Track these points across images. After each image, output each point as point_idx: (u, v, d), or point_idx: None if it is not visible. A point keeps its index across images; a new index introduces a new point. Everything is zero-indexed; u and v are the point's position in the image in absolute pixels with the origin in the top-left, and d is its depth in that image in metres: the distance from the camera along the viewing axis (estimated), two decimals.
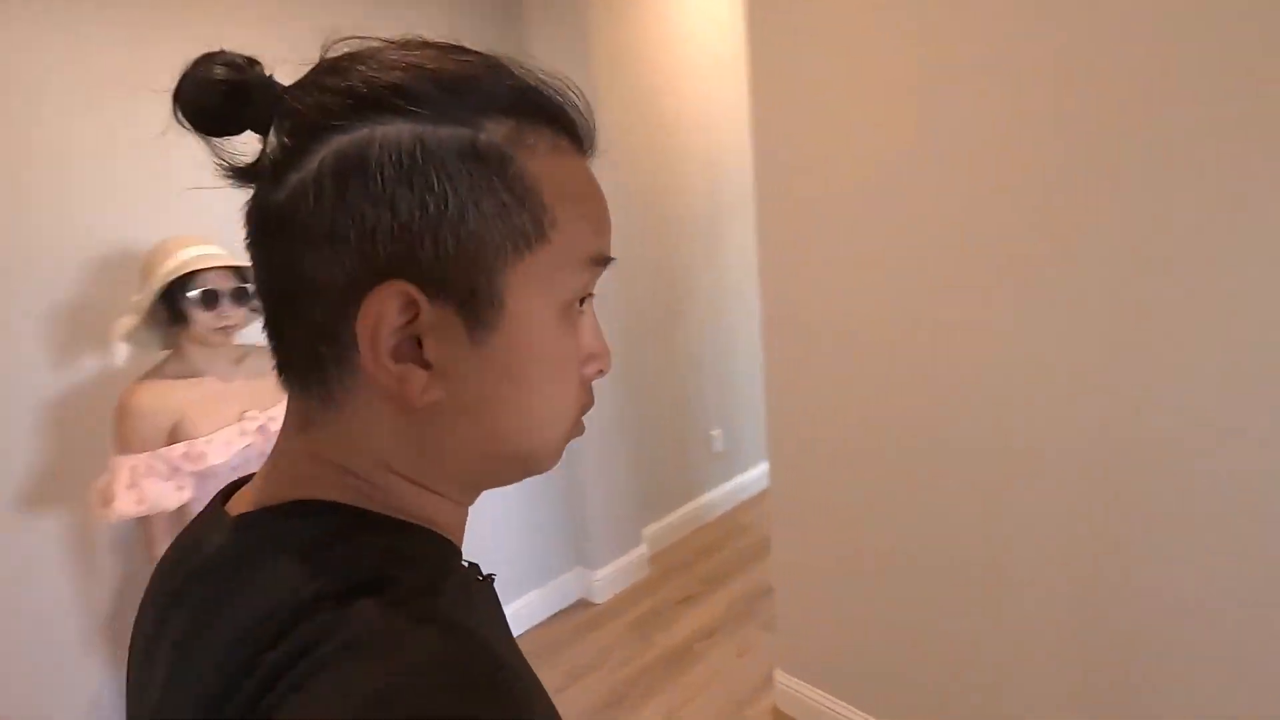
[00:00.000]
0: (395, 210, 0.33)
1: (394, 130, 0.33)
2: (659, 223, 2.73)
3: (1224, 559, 1.12)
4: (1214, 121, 1.02)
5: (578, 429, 0.42)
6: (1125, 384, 1.17)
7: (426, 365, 0.35)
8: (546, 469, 0.41)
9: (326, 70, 0.35)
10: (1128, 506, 1.20)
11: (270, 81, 0.36)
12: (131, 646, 0.43)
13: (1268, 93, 0.97)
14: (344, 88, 0.34)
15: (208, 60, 0.35)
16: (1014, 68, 1.19)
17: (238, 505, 0.40)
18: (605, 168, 0.40)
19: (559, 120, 0.37)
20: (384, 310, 0.33)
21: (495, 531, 2.29)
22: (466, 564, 0.42)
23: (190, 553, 0.40)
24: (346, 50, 0.36)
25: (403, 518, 0.38)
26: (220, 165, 0.37)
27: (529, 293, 0.36)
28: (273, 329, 0.38)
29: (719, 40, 2.84)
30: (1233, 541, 1.11)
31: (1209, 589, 1.14)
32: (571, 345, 0.39)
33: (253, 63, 0.36)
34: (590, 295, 0.40)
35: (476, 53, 0.37)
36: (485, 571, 0.43)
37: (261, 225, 0.36)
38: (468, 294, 0.35)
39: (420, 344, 0.35)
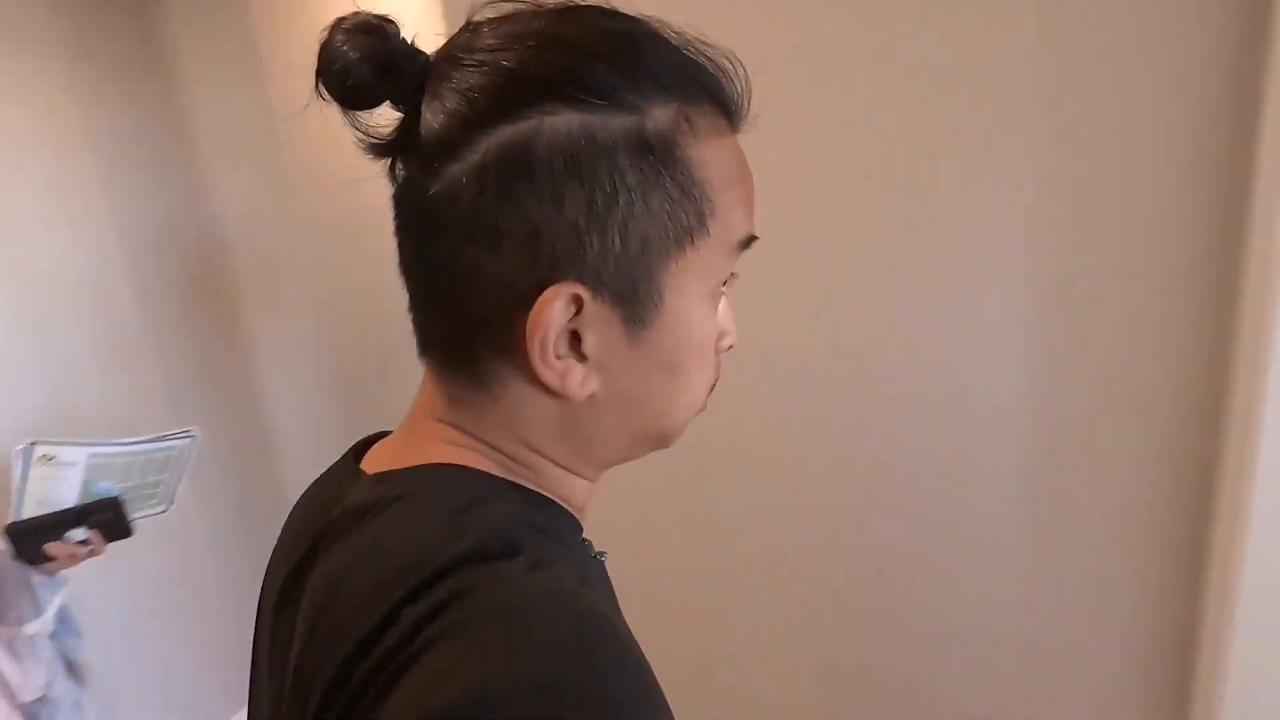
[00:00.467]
0: (562, 208, 0.32)
1: (563, 122, 0.32)
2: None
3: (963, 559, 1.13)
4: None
5: (704, 406, 0.42)
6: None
7: (583, 359, 0.35)
8: (672, 444, 0.42)
9: (483, 48, 0.33)
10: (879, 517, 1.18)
11: (415, 51, 0.35)
12: (261, 601, 0.42)
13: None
14: (511, 72, 0.32)
15: (348, 29, 0.33)
16: None
17: (373, 465, 0.40)
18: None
19: (719, 96, 0.36)
20: (553, 311, 0.33)
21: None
22: (584, 541, 0.42)
23: (328, 507, 0.39)
24: (494, 17, 0.34)
25: (541, 492, 0.39)
26: (361, 139, 0.36)
27: (686, 287, 0.36)
28: (423, 312, 0.38)
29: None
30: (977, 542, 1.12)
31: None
32: (714, 328, 0.39)
33: (391, 25, 0.34)
34: (733, 275, 0.40)
35: (631, 19, 0.35)
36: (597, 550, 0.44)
37: (417, 216, 0.35)
38: (629, 291, 0.35)
39: (579, 338, 0.35)
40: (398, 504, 0.36)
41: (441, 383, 0.39)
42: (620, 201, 0.33)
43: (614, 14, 0.35)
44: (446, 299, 0.36)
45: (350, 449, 0.43)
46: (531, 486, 0.39)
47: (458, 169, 0.33)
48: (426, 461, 0.37)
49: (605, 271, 0.34)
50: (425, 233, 0.35)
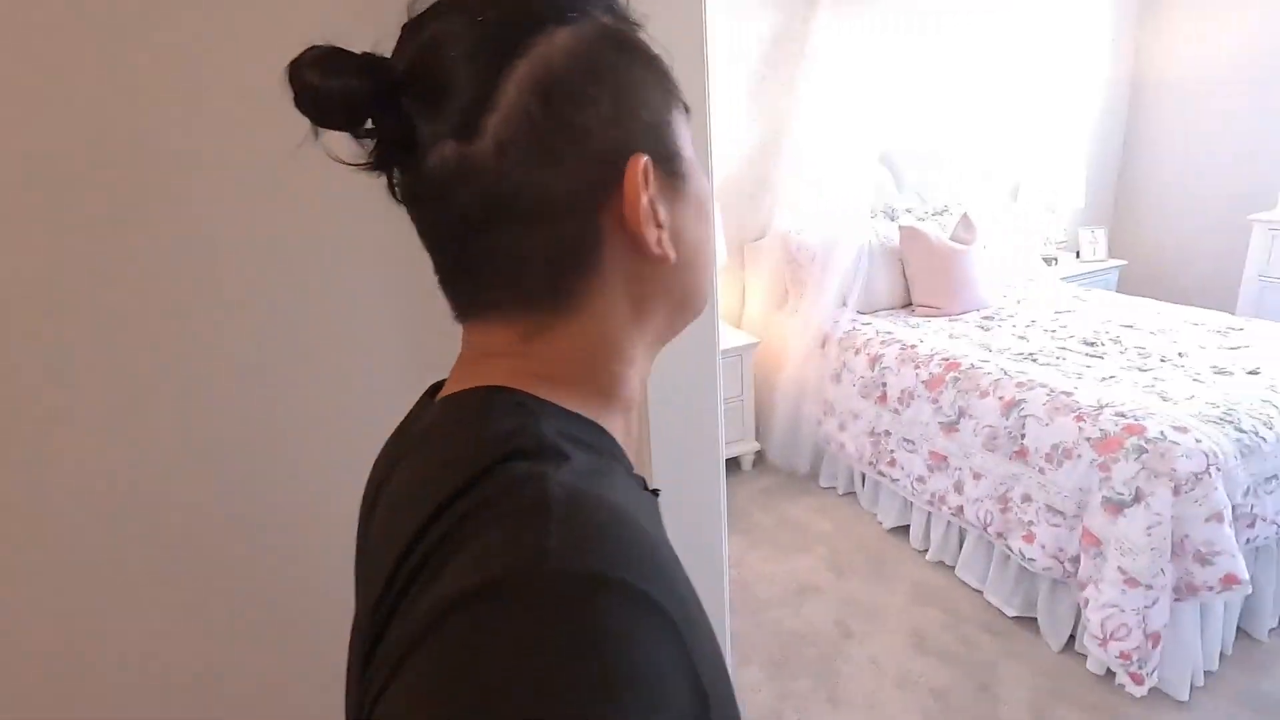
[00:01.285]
0: (598, 105, 0.37)
1: (559, 40, 0.36)
2: None
3: None
4: None
5: None
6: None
7: (660, 226, 0.39)
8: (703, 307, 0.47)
9: (448, 18, 0.37)
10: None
11: (383, 64, 0.37)
12: (362, 507, 0.47)
13: None
14: (500, 19, 0.36)
15: (325, 59, 0.35)
16: None
17: (443, 394, 0.43)
18: None
19: (619, 4, 0.41)
20: (639, 181, 0.37)
21: None
22: (633, 475, 0.43)
23: (407, 429, 0.45)
24: (427, 3, 0.38)
25: (585, 414, 0.41)
26: (369, 159, 0.38)
27: (684, 139, 0.42)
28: (476, 269, 0.39)
29: None
30: None
31: None
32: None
33: (351, 59, 0.36)
34: None
35: None
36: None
37: (465, 184, 0.36)
38: (665, 153, 0.40)
39: (654, 208, 0.39)
40: (451, 421, 0.39)
41: (506, 329, 0.40)
42: (632, 84, 0.38)
43: None
44: (523, 241, 0.37)
45: (430, 386, 0.47)
46: (579, 410, 0.40)
47: (497, 118, 0.35)
48: (482, 384, 0.39)
49: (647, 142, 0.38)
50: (484, 190, 0.36)
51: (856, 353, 2.49)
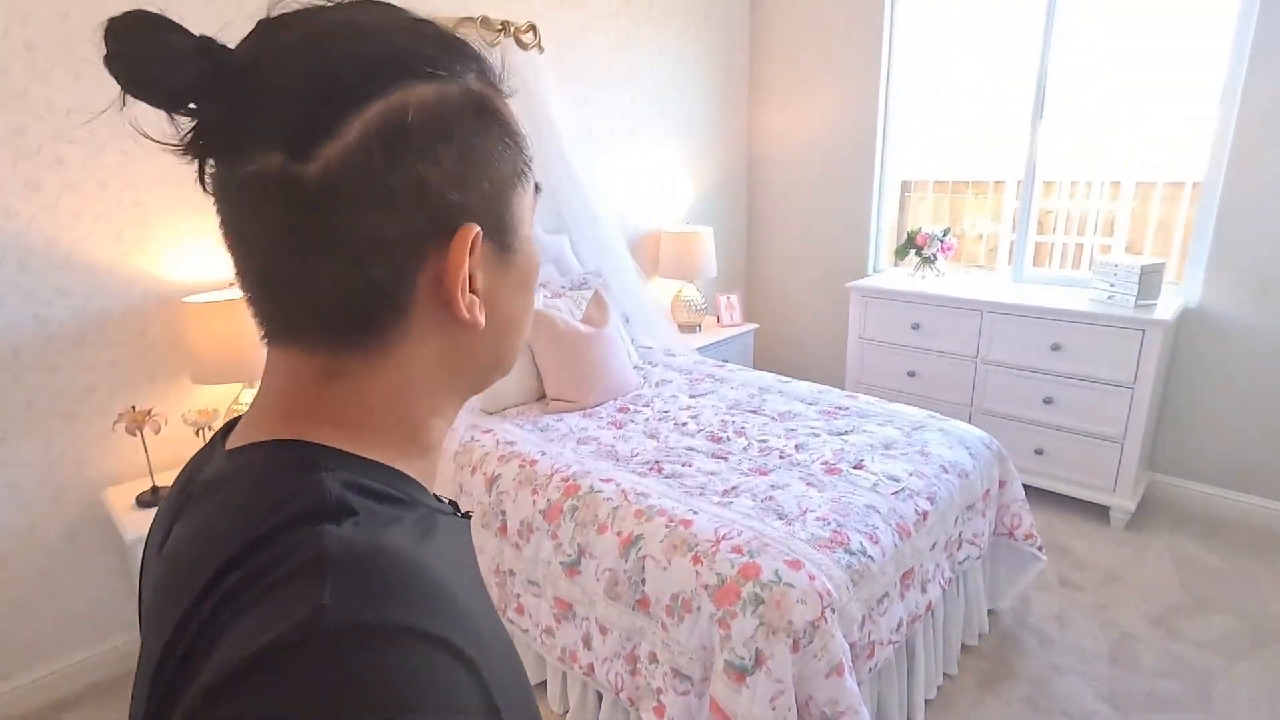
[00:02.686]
0: (443, 165, 0.37)
1: (422, 93, 0.36)
2: None
3: None
4: None
5: None
6: None
7: (477, 293, 0.40)
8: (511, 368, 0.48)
9: (313, 36, 0.36)
10: None
11: (217, 45, 0.35)
12: (143, 557, 0.45)
13: None
14: (369, 56, 0.36)
15: (154, 28, 0.34)
16: None
17: (232, 441, 0.41)
18: None
19: (489, 64, 0.42)
20: (464, 251, 0.38)
21: None
22: (441, 500, 0.45)
23: (192, 477, 0.43)
24: (294, 10, 0.37)
25: (382, 460, 0.40)
26: (180, 142, 0.36)
27: (524, 214, 0.43)
28: (289, 295, 0.38)
29: None
30: None
31: None
32: (536, 249, 0.46)
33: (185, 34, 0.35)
34: None
35: (403, 10, 0.40)
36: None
37: (286, 200, 0.35)
38: (502, 228, 0.41)
39: (471, 275, 0.39)
40: (234, 480, 0.38)
41: (309, 360, 0.39)
42: (483, 152, 0.39)
43: (395, 7, 0.40)
44: (334, 273, 0.37)
45: (225, 423, 0.45)
46: (374, 457, 0.40)
47: (335, 149, 0.34)
48: (271, 438, 0.39)
49: (483, 211, 0.39)
50: (301, 214, 0.35)
51: (473, 471, 2.02)
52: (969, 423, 2.94)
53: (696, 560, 1.48)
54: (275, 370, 0.41)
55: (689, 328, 3.48)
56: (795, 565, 1.42)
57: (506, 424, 2.21)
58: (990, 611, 2.17)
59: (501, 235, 0.40)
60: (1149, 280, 2.57)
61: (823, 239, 3.71)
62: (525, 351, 2.41)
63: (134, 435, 1.83)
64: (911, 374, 3.11)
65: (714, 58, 3.56)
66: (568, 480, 1.82)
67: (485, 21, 2.30)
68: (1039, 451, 2.82)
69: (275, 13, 0.37)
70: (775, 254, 3.95)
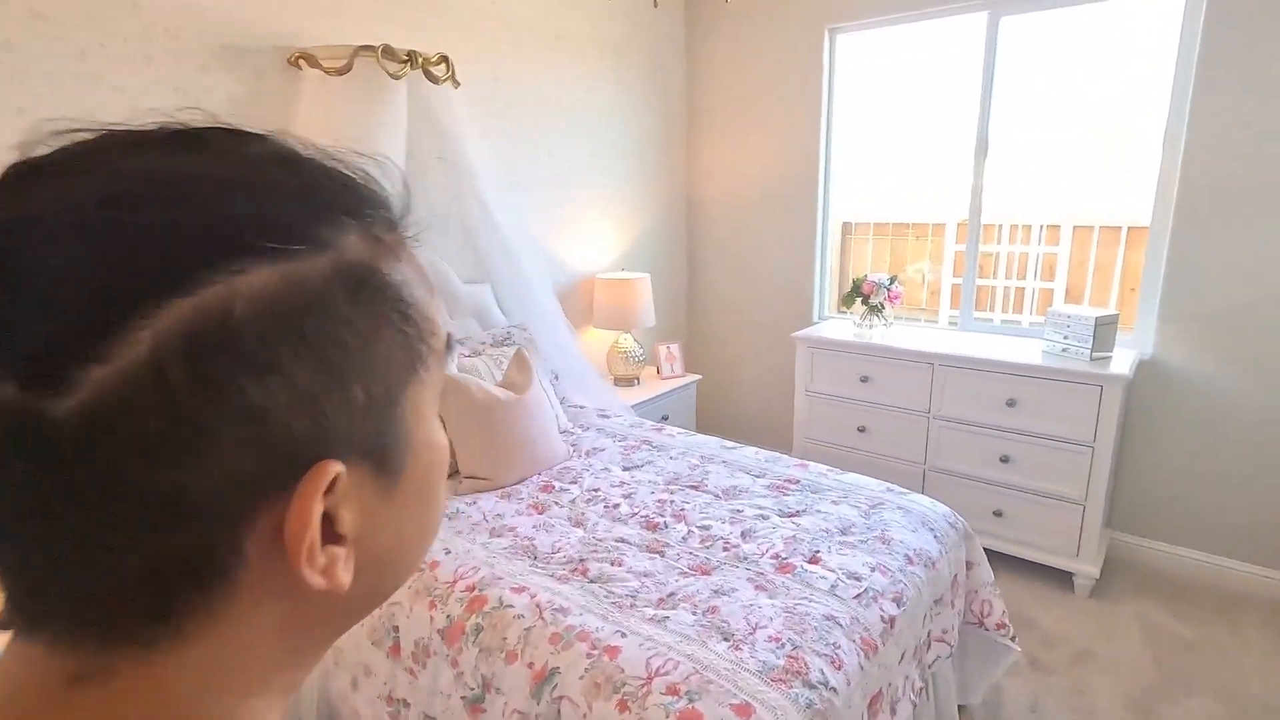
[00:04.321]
0: (288, 376, 0.25)
1: (259, 279, 0.25)
2: None
3: None
4: None
5: None
6: None
7: (341, 540, 0.29)
8: None
9: (88, 200, 0.24)
10: None
11: None
12: None
13: None
14: (185, 227, 0.24)
15: None
16: None
17: None
18: None
19: (386, 204, 0.32)
20: (313, 504, 0.26)
21: None
22: None
23: None
24: (71, 154, 0.25)
25: None
26: None
27: (423, 409, 0.32)
28: (49, 568, 0.25)
29: None
30: None
31: None
32: (444, 435, 0.35)
33: None
34: None
35: (265, 138, 0.29)
36: None
37: (38, 446, 0.23)
38: (379, 443, 0.30)
39: (332, 518, 0.28)
40: None
41: (56, 660, 0.26)
42: (353, 351, 0.27)
43: (244, 134, 0.29)
44: (107, 548, 0.25)
45: None
46: None
47: (106, 374, 0.23)
48: None
49: (354, 433, 0.28)
50: (51, 469, 0.23)
51: None
52: (924, 483, 2.76)
53: (623, 706, 1.19)
54: (14, 668, 0.27)
55: (627, 380, 3.23)
56: (745, 712, 1.15)
57: None
58: (961, 707, 1.94)
59: (384, 457, 0.30)
60: (1104, 332, 2.46)
61: (767, 284, 3.53)
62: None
63: None
64: (862, 429, 2.93)
65: (651, 95, 3.38)
66: (473, 590, 1.51)
67: (388, 51, 2.03)
68: (998, 513, 2.65)
69: (34, 152, 0.25)
70: (718, 300, 3.75)
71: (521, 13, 2.72)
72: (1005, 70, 2.80)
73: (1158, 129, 2.51)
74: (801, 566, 1.57)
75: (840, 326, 3.15)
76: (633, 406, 3.02)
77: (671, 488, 2.02)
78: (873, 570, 1.56)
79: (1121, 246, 3.63)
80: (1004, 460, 2.59)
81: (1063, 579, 2.58)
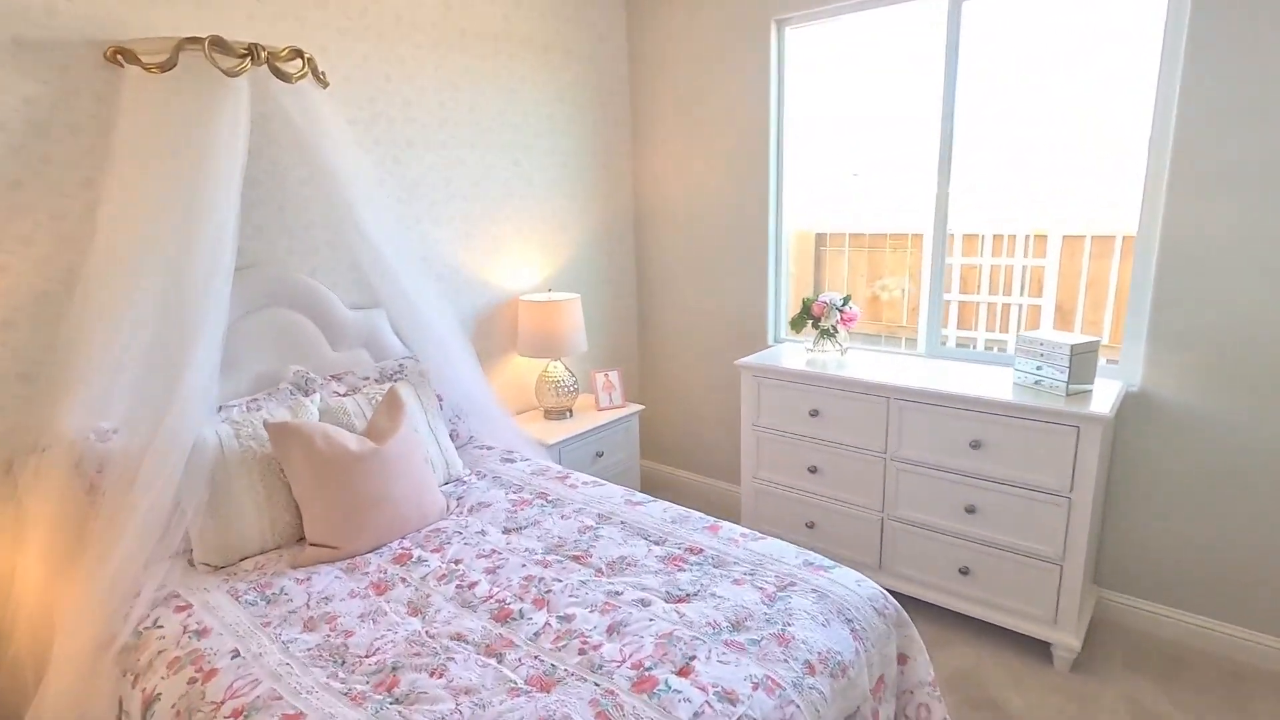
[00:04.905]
0: None
1: None
2: None
3: None
4: None
5: None
6: None
7: None
8: None
9: None
10: None
11: None
12: None
13: None
14: None
15: None
16: None
17: None
18: None
19: None
20: None
21: None
22: None
23: None
24: None
25: None
26: None
27: None
28: None
29: None
30: None
31: None
32: None
33: None
34: None
35: None
36: None
37: None
38: None
39: None
40: None
41: None
42: None
43: None
44: None
45: None
46: None
47: None
48: None
49: None
50: None
51: (135, 682, 1.37)
52: (882, 534, 2.40)
53: None
54: None
55: (558, 413, 2.90)
56: None
57: (220, 591, 1.57)
58: None
59: None
60: (1082, 362, 2.10)
61: (720, 304, 3.19)
62: (276, 480, 1.78)
63: None
64: (814, 470, 2.58)
65: (586, 97, 3.07)
66: (239, 716, 1.18)
67: (219, 44, 1.73)
68: (965, 571, 2.28)
69: None
70: (670, 322, 3.42)
71: (418, 5, 2.42)
72: (971, 63, 2.46)
73: (1144, 122, 2.16)
74: (666, 681, 1.22)
75: (795, 352, 2.81)
76: (562, 443, 2.69)
77: (549, 559, 1.68)
78: (756, 687, 1.21)
79: (1115, 258, 3.26)
80: (970, 511, 2.23)
81: (1039, 650, 2.21)
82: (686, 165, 3.15)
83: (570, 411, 2.94)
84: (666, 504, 1.96)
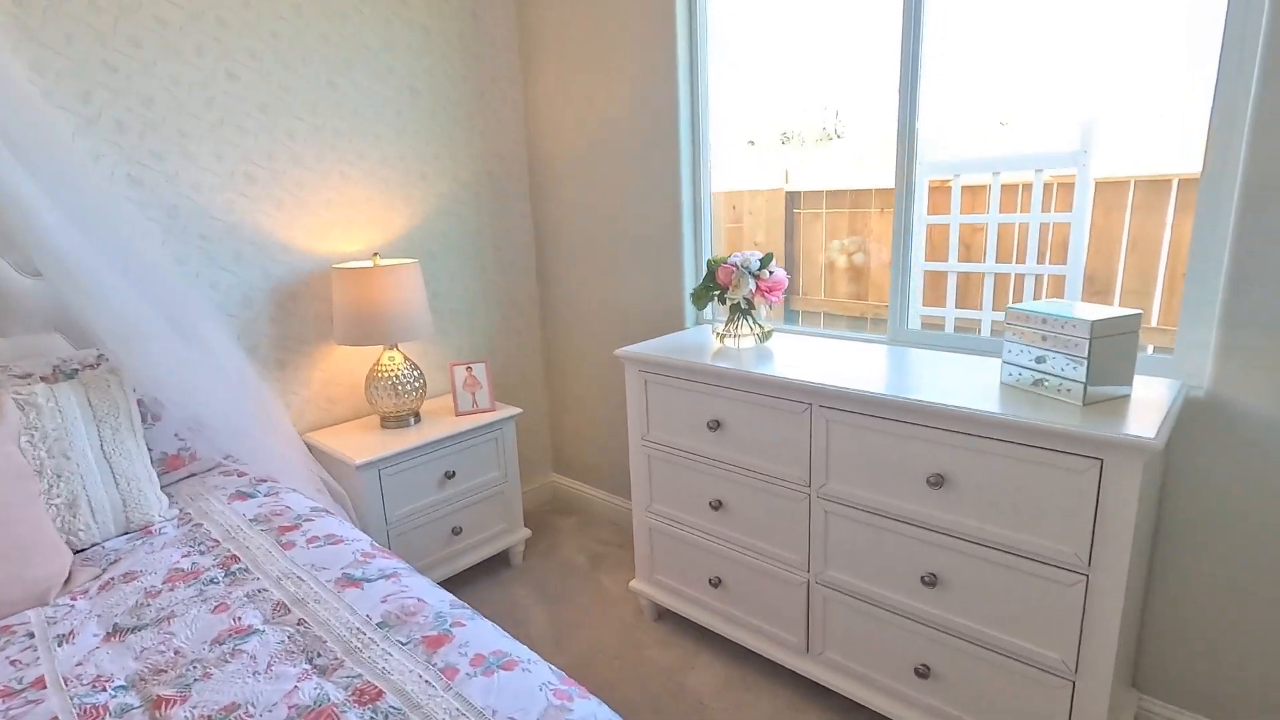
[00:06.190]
0: None
1: None
2: None
3: None
4: None
5: None
6: None
7: None
8: None
9: None
10: None
11: None
12: None
13: None
14: None
15: None
16: None
17: None
18: None
19: None
20: None
21: None
22: None
23: None
24: None
25: None
26: None
27: None
28: None
29: None
30: None
31: None
32: None
33: None
34: None
35: None
36: None
37: None
38: None
39: None
40: None
41: None
42: None
43: None
44: None
45: None
46: None
47: None
48: None
49: None
50: None
51: None
52: (808, 604, 1.62)
53: None
54: None
55: (395, 419, 2.17)
56: None
57: None
58: None
59: None
60: (1111, 349, 1.28)
61: (641, 280, 2.42)
62: None
63: None
64: (717, 505, 1.79)
65: (450, 17, 2.31)
66: None
67: None
68: (923, 674, 1.48)
69: None
70: (576, 302, 2.65)
71: None
72: None
73: (1215, 21, 1.31)
74: None
75: (700, 337, 2.02)
76: (380, 462, 1.96)
77: (124, 700, 0.95)
78: None
79: (1170, 210, 2.40)
80: (928, 582, 1.43)
81: None
82: (594, 101, 2.37)
83: (417, 416, 2.21)
84: (399, 583, 1.20)
